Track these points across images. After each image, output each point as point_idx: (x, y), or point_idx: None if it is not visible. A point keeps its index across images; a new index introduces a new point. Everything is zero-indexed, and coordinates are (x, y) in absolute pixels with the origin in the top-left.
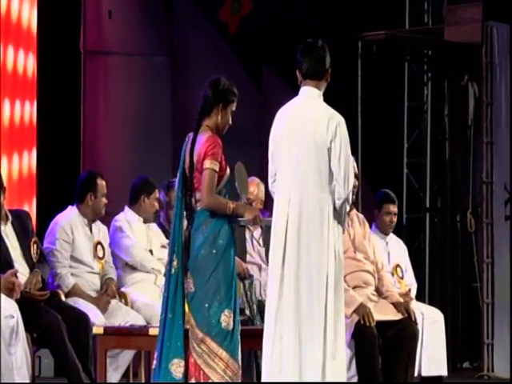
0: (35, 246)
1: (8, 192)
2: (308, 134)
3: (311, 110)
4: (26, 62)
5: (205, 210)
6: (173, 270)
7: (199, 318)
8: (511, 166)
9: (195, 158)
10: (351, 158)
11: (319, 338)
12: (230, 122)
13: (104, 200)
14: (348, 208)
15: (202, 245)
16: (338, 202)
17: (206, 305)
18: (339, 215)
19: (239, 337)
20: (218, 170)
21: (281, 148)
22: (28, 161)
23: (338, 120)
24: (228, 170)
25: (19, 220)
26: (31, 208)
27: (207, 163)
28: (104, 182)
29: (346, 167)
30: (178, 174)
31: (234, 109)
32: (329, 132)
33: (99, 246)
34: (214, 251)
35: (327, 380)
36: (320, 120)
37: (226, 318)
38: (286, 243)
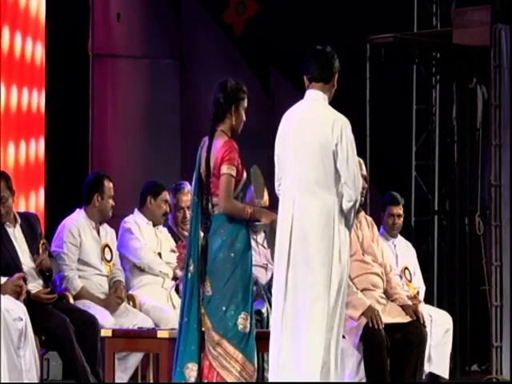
0: (44, 247)
1: (15, 182)
2: (313, 136)
3: (316, 113)
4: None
5: (222, 214)
6: (189, 275)
7: (215, 321)
8: None
9: (212, 164)
10: (357, 159)
11: (319, 341)
12: (244, 119)
13: (111, 202)
14: (356, 210)
15: (219, 248)
16: (349, 204)
17: (223, 308)
18: (347, 218)
19: (255, 340)
20: (235, 174)
21: (286, 151)
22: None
23: (342, 122)
24: (245, 175)
25: (28, 222)
26: (39, 210)
27: (224, 168)
28: (111, 184)
29: (355, 169)
30: (194, 179)
31: (245, 105)
32: (334, 135)
33: (107, 249)
34: (232, 254)
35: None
36: (325, 123)
37: (243, 321)
38: (291, 246)
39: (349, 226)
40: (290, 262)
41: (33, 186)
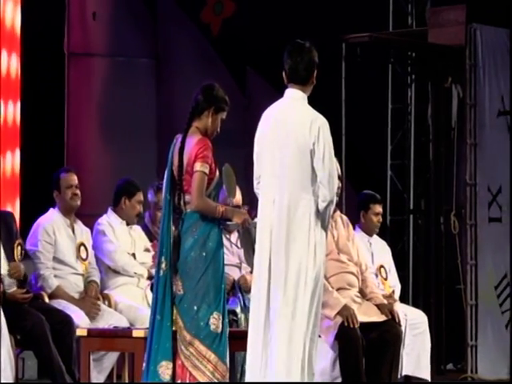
0: (19, 247)
1: None
2: (291, 136)
3: (294, 113)
4: (9, 63)
5: (194, 212)
6: (161, 272)
7: (187, 321)
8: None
9: (185, 161)
10: (334, 160)
11: (296, 341)
12: (218, 130)
13: (70, 192)
14: (332, 210)
15: (191, 247)
16: (323, 204)
17: (195, 307)
18: (323, 217)
19: (227, 340)
20: (208, 172)
21: (265, 150)
22: (11, 162)
23: (320, 122)
24: (217, 173)
25: (3, 221)
26: (15, 210)
27: (198, 166)
28: (70, 175)
29: (331, 169)
30: (166, 176)
31: (223, 117)
32: (312, 134)
33: (82, 248)
34: (204, 254)
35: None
36: (303, 122)
37: (215, 321)
38: (272, 247)
39: (325, 227)
40: (271, 263)
41: (9, 186)
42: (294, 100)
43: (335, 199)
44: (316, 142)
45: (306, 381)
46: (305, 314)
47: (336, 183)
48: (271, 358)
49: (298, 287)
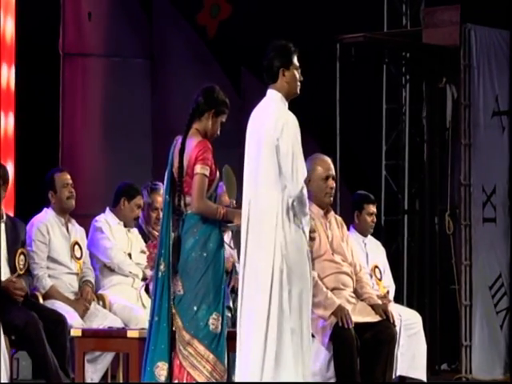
0: (22, 256)
1: None
2: (258, 134)
3: (264, 111)
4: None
5: (195, 213)
6: (160, 274)
7: (186, 321)
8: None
9: (185, 163)
10: (301, 156)
11: (258, 342)
12: (218, 133)
13: (66, 192)
14: (306, 208)
15: (192, 248)
16: (290, 200)
17: (195, 307)
18: (294, 214)
19: (226, 340)
20: (208, 174)
21: (246, 150)
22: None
23: (285, 118)
24: (218, 174)
25: (13, 224)
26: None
27: (198, 168)
28: (63, 174)
29: (294, 164)
30: (166, 178)
31: (224, 120)
32: (276, 130)
33: (76, 247)
34: (205, 254)
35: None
36: (269, 120)
37: (215, 321)
38: (247, 245)
39: (299, 224)
40: (246, 262)
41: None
42: (270, 100)
43: (305, 194)
44: (280, 137)
45: (298, 380)
46: (274, 312)
47: (300, 179)
48: (245, 354)
49: (264, 285)
